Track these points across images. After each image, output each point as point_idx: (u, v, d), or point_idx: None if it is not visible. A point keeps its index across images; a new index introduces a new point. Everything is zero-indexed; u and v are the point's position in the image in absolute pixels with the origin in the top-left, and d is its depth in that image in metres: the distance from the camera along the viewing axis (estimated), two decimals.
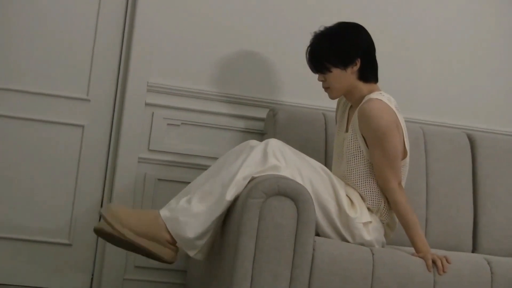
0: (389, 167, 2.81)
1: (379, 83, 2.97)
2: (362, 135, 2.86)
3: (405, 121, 2.96)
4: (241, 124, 3.43)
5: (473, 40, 3.70)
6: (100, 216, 2.70)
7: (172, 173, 3.37)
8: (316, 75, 2.96)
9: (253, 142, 2.82)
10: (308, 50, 2.91)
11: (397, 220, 2.89)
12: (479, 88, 3.71)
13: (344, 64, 2.86)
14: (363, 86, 2.90)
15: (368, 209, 2.86)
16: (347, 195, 2.83)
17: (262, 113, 3.42)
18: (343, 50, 2.86)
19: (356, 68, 2.87)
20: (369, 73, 2.91)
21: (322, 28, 2.91)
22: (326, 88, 2.93)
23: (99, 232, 2.71)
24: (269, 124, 3.34)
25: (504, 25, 3.73)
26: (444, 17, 3.67)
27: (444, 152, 3.38)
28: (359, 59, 2.86)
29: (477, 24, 3.71)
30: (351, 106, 2.99)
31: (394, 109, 2.85)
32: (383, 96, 2.84)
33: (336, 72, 2.87)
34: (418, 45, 3.64)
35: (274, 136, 3.18)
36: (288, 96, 3.49)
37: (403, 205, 2.80)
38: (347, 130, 2.95)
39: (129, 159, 3.33)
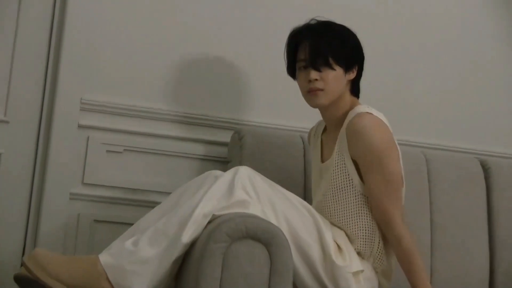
0: (389, 195, 2.65)
1: (368, 98, 2.87)
2: (352, 159, 2.69)
3: (403, 144, 2.92)
4: (199, 150, 3.26)
5: (486, 50, 3.66)
6: (22, 264, 2.53)
7: (113, 213, 3.19)
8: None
9: (217, 172, 2.66)
10: (310, 40, 2.76)
11: (394, 267, 2.71)
12: (494, 105, 3.67)
13: (347, 66, 2.76)
14: (348, 99, 2.80)
15: (358, 253, 2.68)
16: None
17: (226, 137, 3.26)
18: (350, 49, 2.77)
19: (352, 76, 2.79)
20: (357, 86, 2.84)
21: (322, 19, 2.78)
22: (318, 90, 2.74)
23: (19, 282, 2.50)
24: (234, 149, 3.18)
25: None
26: (454, 24, 3.62)
27: (452, 182, 3.27)
28: (356, 67, 2.80)
29: (493, 36, 3.66)
30: (323, 131, 2.90)
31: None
32: (372, 110, 2.73)
33: (338, 72, 2.74)
34: (417, 52, 3.58)
35: (240, 164, 3.01)
36: (256, 116, 3.36)
37: (408, 242, 2.60)
38: (323, 161, 2.84)
39: (59, 195, 3.12)
